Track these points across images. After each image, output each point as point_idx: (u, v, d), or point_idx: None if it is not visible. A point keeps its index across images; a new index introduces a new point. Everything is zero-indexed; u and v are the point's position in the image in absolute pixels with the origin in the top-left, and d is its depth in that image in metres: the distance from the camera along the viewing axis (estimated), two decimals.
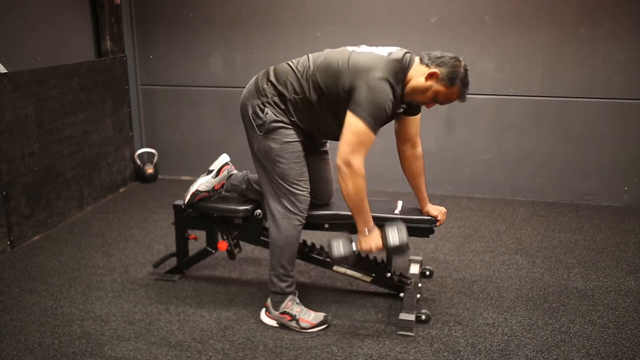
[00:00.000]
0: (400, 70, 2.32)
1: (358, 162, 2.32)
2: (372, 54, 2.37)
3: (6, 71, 3.42)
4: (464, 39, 4.24)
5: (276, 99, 2.44)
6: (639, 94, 4.11)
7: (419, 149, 2.65)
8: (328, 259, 2.83)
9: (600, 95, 4.16)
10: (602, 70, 4.11)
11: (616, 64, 4.08)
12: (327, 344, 2.53)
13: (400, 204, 2.83)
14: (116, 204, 4.35)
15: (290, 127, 2.46)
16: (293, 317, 2.61)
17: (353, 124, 2.28)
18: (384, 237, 2.41)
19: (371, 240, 2.42)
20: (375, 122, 2.28)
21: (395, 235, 2.39)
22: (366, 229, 2.42)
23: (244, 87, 2.58)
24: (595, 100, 4.18)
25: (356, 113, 2.27)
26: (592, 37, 4.07)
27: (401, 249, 2.41)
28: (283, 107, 2.44)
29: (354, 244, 2.47)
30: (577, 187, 4.37)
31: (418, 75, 2.33)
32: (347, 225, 2.74)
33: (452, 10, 4.22)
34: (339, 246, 2.43)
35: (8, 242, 3.47)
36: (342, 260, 2.48)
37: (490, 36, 4.21)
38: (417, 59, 2.38)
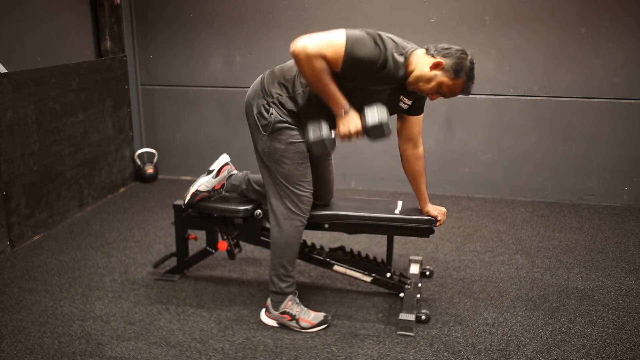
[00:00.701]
0: (402, 45, 2.31)
1: (314, 48, 2.17)
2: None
3: (6, 71, 3.42)
4: (464, 39, 4.24)
5: (282, 98, 2.43)
6: (639, 94, 4.11)
7: (421, 149, 2.65)
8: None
9: (600, 95, 4.17)
10: (602, 70, 4.11)
11: (616, 64, 4.08)
12: (327, 344, 2.53)
13: (400, 204, 2.83)
14: (116, 204, 4.35)
15: (295, 127, 2.45)
16: (293, 317, 2.61)
17: (334, 30, 2.21)
18: (362, 118, 2.28)
19: (349, 122, 2.29)
20: (353, 53, 2.18)
21: (375, 114, 2.26)
22: (342, 111, 2.28)
23: (244, 87, 2.57)
24: (595, 100, 4.19)
25: (345, 31, 2.20)
26: (592, 37, 4.07)
27: (380, 128, 2.26)
28: (289, 107, 2.42)
29: (333, 132, 2.36)
30: (577, 187, 4.37)
31: (423, 64, 2.31)
32: (348, 225, 2.75)
33: (452, 10, 4.22)
34: (315, 129, 2.32)
35: (8, 242, 3.47)
36: (319, 145, 2.32)
37: (490, 36, 4.21)
38: (423, 50, 2.37)
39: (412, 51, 2.34)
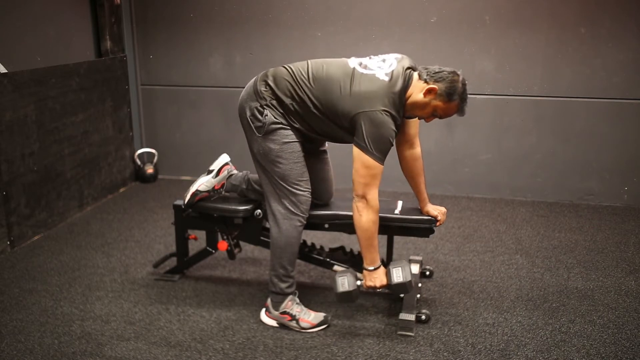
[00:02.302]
0: (400, 95, 2.33)
1: (373, 195, 2.38)
2: (374, 78, 2.34)
3: (6, 71, 3.42)
4: (464, 39, 4.24)
5: (274, 102, 2.44)
6: (639, 94, 4.11)
7: (418, 150, 2.65)
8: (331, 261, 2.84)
9: (600, 95, 4.16)
10: (602, 70, 4.11)
11: (616, 64, 4.08)
12: (327, 344, 2.53)
13: (400, 204, 2.83)
14: (116, 204, 4.35)
15: (288, 127, 2.46)
16: (293, 317, 2.61)
17: (362, 159, 2.33)
18: (388, 275, 2.47)
19: (376, 278, 2.48)
20: (382, 154, 2.33)
21: (400, 274, 2.45)
22: (372, 266, 2.48)
23: (244, 88, 2.57)
24: (595, 100, 4.18)
25: (363, 150, 2.32)
26: (592, 37, 4.07)
27: (404, 287, 2.46)
28: (282, 110, 2.45)
29: (358, 281, 2.51)
30: (577, 187, 4.37)
31: (417, 91, 2.36)
32: (347, 225, 2.75)
33: (452, 10, 4.22)
34: (344, 282, 2.48)
35: (8, 242, 3.47)
36: (346, 297, 2.50)
37: (490, 36, 4.21)
38: (415, 75, 2.39)
39: (408, 86, 2.37)
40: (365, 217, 2.39)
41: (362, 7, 4.34)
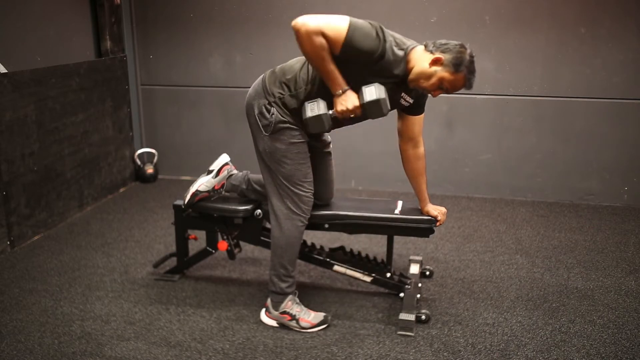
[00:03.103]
0: (400, 41, 2.31)
1: (314, 25, 2.18)
2: None
3: (6, 71, 3.42)
4: (464, 39, 4.16)
5: (284, 98, 2.42)
6: (639, 94, 4.11)
7: (422, 149, 2.64)
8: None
9: (600, 95, 4.17)
10: (602, 70, 4.11)
11: (616, 64, 4.08)
12: (327, 344, 2.53)
13: (400, 204, 2.83)
14: (116, 204, 4.35)
15: (296, 127, 2.45)
16: (293, 317, 2.61)
17: (339, 15, 2.24)
18: (360, 96, 2.28)
19: (347, 99, 2.29)
20: (353, 38, 2.19)
21: (373, 91, 2.25)
22: (340, 89, 2.29)
23: (244, 87, 2.58)
24: (595, 100, 4.19)
25: (349, 17, 2.23)
26: (592, 37, 4.07)
27: (378, 104, 2.25)
28: (291, 107, 2.42)
29: (331, 111, 2.35)
30: (577, 187, 4.37)
31: (423, 61, 2.31)
32: (347, 225, 2.75)
33: (452, 10, 4.22)
34: (313, 107, 2.32)
35: (8, 242, 3.47)
36: (317, 121, 2.31)
37: (490, 36, 4.21)
38: (421, 46, 2.36)
39: (412, 48, 2.34)
40: (307, 42, 2.20)
41: (362, 7, 4.34)
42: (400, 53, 2.30)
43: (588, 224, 3.94)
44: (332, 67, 2.26)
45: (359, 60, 2.25)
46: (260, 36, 4.55)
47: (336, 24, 2.21)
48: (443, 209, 2.73)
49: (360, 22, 2.25)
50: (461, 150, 4.48)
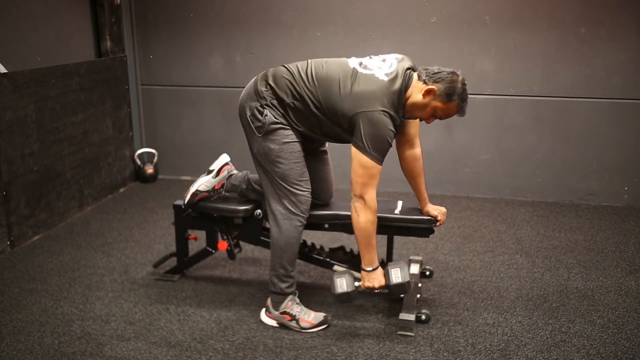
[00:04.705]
0: (399, 94, 2.33)
1: (370, 195, 2.38)
2: (373, 78, 2.34)
3: (6, 71, 3.42)
4: (464, 39, 4.24)
5: (275, 102, 2.44)
6: (639, 94, 4.11)
7: (418, 150, 2.65)
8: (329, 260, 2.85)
9: (600, 95, 4.16)
10: (602, 70, 4.11)
11: (616, 64, 4.08)
12: (327, 344, 2.53)
13: (400, 204, 2.83)
14: (116, 204, 4.35)
15: (288, 128, 2.46)
16: (293, 317, 2.61)
17: (360, 159, 2.33)
18: (386, 276, 2.47)
19: (374, 278, 2.48)
20: (380, 154, 2.33)
21: (399, 274, 2.45)
22: (371, 267, 2.48)
23: (244, 88, 2.57)
24: (595, 100, 4.18)
25: (361, 149, 2.32)
26: (592, 37, 4.07)
27: (403, 288, 2.47)
28: (282, 110, 2.45)
29: (356, 282, 2.52)
30: (577, 187, 4.37)
31: (416, 92, 2.35)
32: (347, 225, 2.75)
33: (452, 10, 4.22)
34: (342, 283, 2.48)
35: (8, 242, 3.47)
36: (344, 298, 2.51)
37: (490, 36, 4.21)
38: (415, 76, 2.39)
39: (408, 86, 2.37)
40: (363, 217, 2.39)
41: (362, 7, 4.34)
42: (401, 110, 2.37)
43: (588, 224, 3.94)
44: (374, 244, 2.46)
45: (391, 145, 2.40)
46: (260, 36, 4.55)
47: (370, 169, 2.33)
48: (443, 209, 2.74)
49: (365, 131, 2.30)
50: (461, 150, 4.48)
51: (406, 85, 2.36)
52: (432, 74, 2.34)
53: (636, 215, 4.11)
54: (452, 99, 2.33)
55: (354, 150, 2.35)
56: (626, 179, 4.28)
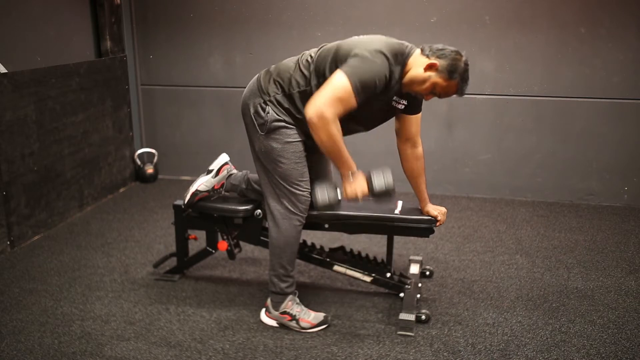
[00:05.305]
0: (400, 52, 2.32)
1: (331, 112, 2.19)
2: (373, 35, 2.37)
3: (6, 71, 3.42)
4: (464, 39, 4.24)
5: (279, 97, 2.43)
6: (639, 94, 4.11)
7: (420, 149, 2.65)
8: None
9: (600, 95, 4.17)
10: (602, 70, 4.11)
11: (616, 64, 4.08)
12: (327, 344, 2.53)
13: (400, 204, 2.83)
14: (116, 204, 4.35)
15: (292, 126, 2.45)
16: (293, 317, 2.61)
17: (337, 79, 2.22)
18: (369, 182, 2.33)
19: (356, 186, 2.33)
20: (362, 87, 2.20)
21: (381, 179, 2.31)
22: (350, 173, 2.33)
23: (244, 87, 2.57)
24: (595, 100, 4.19)
25: (345, 72, 2.22)
26: (592, 37, 4.07)
27: (387, 193, 2.32)
28: (286, 105, 2.43)
29: (339, 191, 2.40)
30: (577, 187, 4.37)
31: (418, 66, 2.32)
32: (347, 225, 2.75)
33: (452, 10, 4.22)
34: (324, 193, 2.36)
35: (8, 242, 3.47)
36: (327, 207, 2.37)
37: (490, 36, 4.21)
38: (418, 50, 2.37)
39: (410, 55, 2.35)
40: (324, 134, 2.22)
41: (362, 7, 4.34)
42: (398, 69, 2.32)
43: (588, 224, 3.94)
44: (345, 152, 2.29)
45: (372, 91, 2.27)
46: (260, 36, 4.55)
47: (341, 91, 2.19)
48: (443, 209, 2.74)
49: (353, 63, 2.22)
50: (461, 150, 4.48)
51: (408, 52, 2.34)
52: (436, 50, 2.33)
53: (636, 215, 4.11)
54: (453, 77, 2.31)
55: (336, 71, 2.23)
56: (626, 179, 4.28)
